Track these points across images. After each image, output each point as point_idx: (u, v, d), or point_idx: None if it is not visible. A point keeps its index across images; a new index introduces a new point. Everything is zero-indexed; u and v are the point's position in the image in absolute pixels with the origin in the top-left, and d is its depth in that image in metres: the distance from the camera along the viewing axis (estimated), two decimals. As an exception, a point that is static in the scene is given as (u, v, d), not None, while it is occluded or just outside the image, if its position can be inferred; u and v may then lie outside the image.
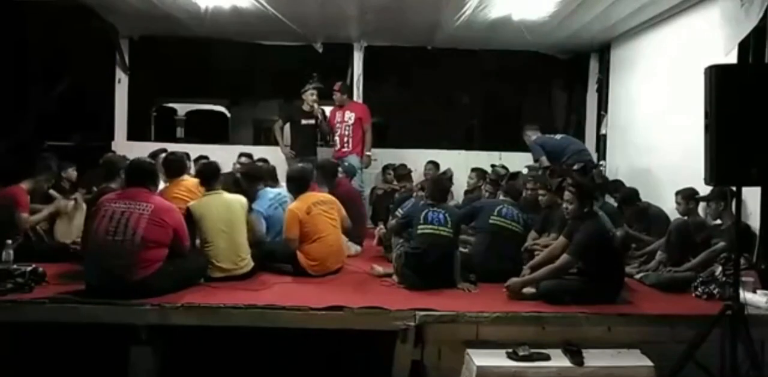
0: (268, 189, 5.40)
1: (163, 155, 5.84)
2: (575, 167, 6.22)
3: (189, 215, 4.45)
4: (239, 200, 4.67)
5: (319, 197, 5.01)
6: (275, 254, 4.85)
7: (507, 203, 5.05)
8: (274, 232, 5.10)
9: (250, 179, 5.39)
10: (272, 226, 5.10)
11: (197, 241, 4.54)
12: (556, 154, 6.59)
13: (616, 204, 5.83)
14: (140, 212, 3.95)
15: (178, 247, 4.12)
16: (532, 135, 6.94)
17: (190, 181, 5.04)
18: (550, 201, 5.42)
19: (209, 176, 4.73)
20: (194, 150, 7.02)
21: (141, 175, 4.20)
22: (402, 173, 7.46)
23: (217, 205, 4.54)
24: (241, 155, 7.15)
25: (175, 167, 5.19)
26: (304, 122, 7.26)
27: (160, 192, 4.94)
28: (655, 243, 5.10)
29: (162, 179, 5.51)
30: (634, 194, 5.74)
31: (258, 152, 7.43)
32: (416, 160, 7.83)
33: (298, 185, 5.01)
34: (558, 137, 6.91)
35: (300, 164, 5.78)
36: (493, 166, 7.46)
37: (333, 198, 5.09)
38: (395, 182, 7.52)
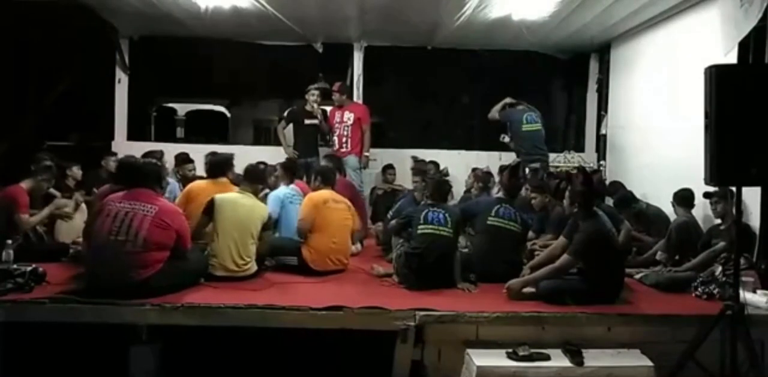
0: (284, 187, 5.50)
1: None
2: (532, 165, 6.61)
3: (210, 205, 4.51)
4: (262, 208, 4.73)
5: (338, 196, 5.09)
6: (281, 247, 4.91)
7: (504, 201, 5.03)
8: (282, 227, 5.19)
9: (288, 171, 5.61)
10: (283, 218, 5.19)
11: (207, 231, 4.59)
12: (515, 144, 7.04)
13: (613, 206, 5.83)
14: (144, 213, 3.95)
15: (179, 250, 4.12)
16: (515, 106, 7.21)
17: (230, 185, 5.11)
18: (542, 204, 5.42)
19: (254, 178, 4.86)
20: (194, 150, 7.02)
21: (146, 176, 4.20)
22: (422, 168, 7.16)
23: (240, 206, 4.57)
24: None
25: (215, 167, 5.31)
26: (307, 121, 7.27)
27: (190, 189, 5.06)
28: (656, 246, 5.10)
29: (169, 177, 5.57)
30: (629, 197, 5.74)
31: (258, 152, 7.43)
32: (416, 160, 7.82)
33: (326, 178, 5.16)
34: (524, 128, 6.97)
35: (326, 162, 6.14)
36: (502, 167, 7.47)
37: (349, 202, 5.13)
38: (396, 182, 7.54)
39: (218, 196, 4.60)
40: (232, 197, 4.63)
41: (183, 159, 6.88)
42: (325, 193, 5.03)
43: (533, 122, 6.98)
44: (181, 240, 4.11)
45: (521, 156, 6.91)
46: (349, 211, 5.08)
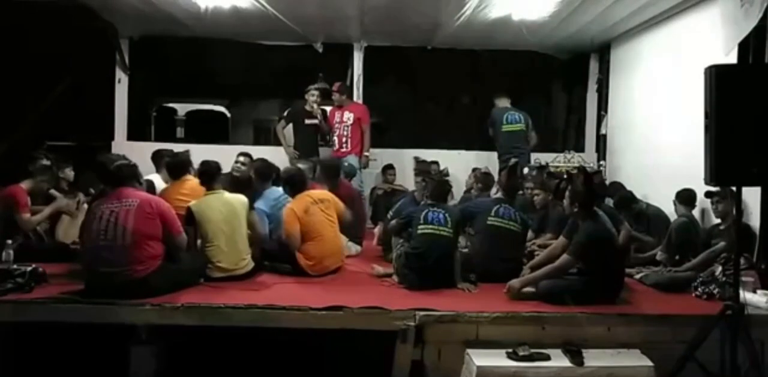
0: (274, 188, 5.38)
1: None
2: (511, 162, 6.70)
3: (190, 214, 4.45)
4: (240, 199, 4.66)
5: (316, 195, 5.00)
6: (275, 254, 4.85)
7: (503, 201, 5.03)
8: (276, 232, 5.09)
9: (262, 177, 5.40)
10: (274, 225, 5.10)
11: (198, 241, 4.54)
12: (496, 144, 7.28)
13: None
14: (127, 208, 3.97)
15: (171, 238, 4.11)
16: (499, 104, 7.36)
17: (193, 181, 5.02)
18: (544, 201, 5.45)
19: (209, 176, 4.71)
20: (195, 150, 7.01)
21: (122, 176, 4.19)
22: (424, 168, 7.13)
23: (218, 205, 4.54)
24: (240, 154, 7.12)
25: (177, 167, 5.18)
26: (307, 121, 7.26)
27: (161, 192, 4.96)
28: (657, 249, 5.10)
29: (163, 178, 5.55)
30: (629, 197, 5.74)
31: (259, 152, 7.40)
32: (416, 160, 7.82)
33: (293, 186, 5.00)
34: (504, 129, 7.12)
35: (295, 166, 5.76)
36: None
37: (330, 195, 5.07)
38: (396, 182, 7.53)
39: (192, 204, 4.53)
40: (206, 201, 4.56)
41: None
42: (301, 201, 4.86)
43: (514, 122, 7.13)
44: (168, 226, 4.08)
45: (500, 156, 7.09)
46: (333, 204, 5.02)
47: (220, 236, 4.46)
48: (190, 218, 4.44)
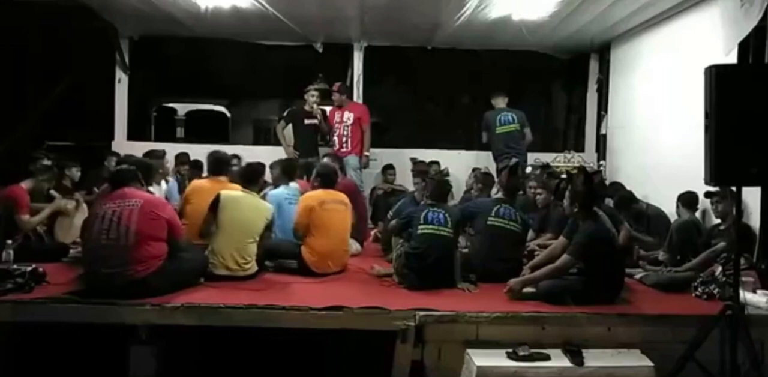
0: (294, 185, 5.46)
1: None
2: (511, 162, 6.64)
3: (216, 201, 4.50)
4: (268, 207, 4.72)
5: (336, 195, 5.03)
6: (280, 250, 4.89)
7: (504, 201, 5.03)
8: (278, 226, 5.12)
9: (287, 174, 5.53)
10: (278, 219, 5.11)
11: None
12: (491, 146, 7.30)
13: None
14: (131, 207, 3.96)
15: (174, 243, 4.12)
16: (495, 104, 7.36)
17: (230, 186, 5.05)
18: (546, 201, 5.45)
19: (249, 177, 4.84)
20: (194, 150, 7.03)
21: (124, 178, 4.22)
22: (422, 169, 7.13)
23: (244, 202, 4.58)
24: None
25: (217, 163, 5.34)
26: (307, 122, 7.27)
27: (193, 185, 5.15)
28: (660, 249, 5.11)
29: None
30: (628, 197, 5.74)
31: (259, 152, 7.43)
32: (416, 160, 7.81)
33: (324, 180, 5.07)
34: (498, 131, 7.15)
35: (328, 161, 5.90)
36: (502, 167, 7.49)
37: (348, 201, 5.08)
38: (396, 182, 7.53)
39: (224, 192, 4.61)
40: (237, 196, 4.63)
41: (182, 161, 6.95)
42: (321, 193, 4.96)
43: (507, 123, 7.15)
44: (173, 231, 4.10)
45: (496, 158, 7.13)
46: (347, 209, 5.04)
47: (232, 233, 4.46)
48: (215, 205, 4.50)
